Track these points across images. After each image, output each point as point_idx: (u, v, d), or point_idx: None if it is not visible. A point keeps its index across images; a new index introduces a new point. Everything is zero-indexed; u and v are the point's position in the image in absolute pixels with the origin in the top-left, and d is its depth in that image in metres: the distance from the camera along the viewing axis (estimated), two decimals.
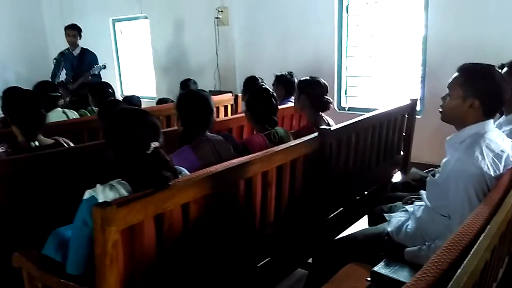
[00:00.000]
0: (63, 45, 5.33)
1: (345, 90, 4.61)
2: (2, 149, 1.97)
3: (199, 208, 1.51)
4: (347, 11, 4.42)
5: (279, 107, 3.24)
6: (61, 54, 5.20)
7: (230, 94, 4.31)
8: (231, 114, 4.01)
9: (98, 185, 1.38)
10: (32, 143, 2.10)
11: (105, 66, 5.01)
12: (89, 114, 3.38)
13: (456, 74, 1.63)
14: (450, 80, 1.64)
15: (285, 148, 1.90)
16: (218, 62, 5.40)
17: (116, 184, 1.37)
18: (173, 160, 1.52)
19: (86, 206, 1.35)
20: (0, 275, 1.88)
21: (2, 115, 3.06)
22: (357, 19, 4.40)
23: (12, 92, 2.93)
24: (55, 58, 5.20)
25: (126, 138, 1.42)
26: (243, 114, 3.01)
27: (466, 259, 0.85)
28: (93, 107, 3.48)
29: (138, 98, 3.76)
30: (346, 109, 4.57)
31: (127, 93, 6.43)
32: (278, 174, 1.91)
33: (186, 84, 4.56)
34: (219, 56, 5.39)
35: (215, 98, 4.24)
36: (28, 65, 7.31)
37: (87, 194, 1.37)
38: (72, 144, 2.24)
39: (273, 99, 2.20)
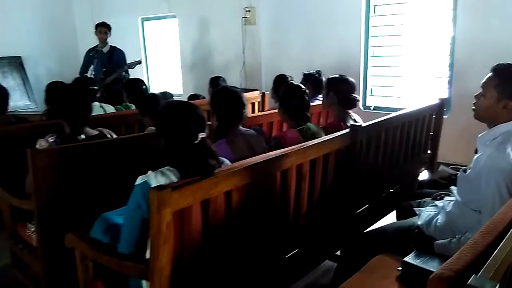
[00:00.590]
0: (93, 42, 5.51)
1: (371, 90, 4.65)
2: (52, 139, 2.10)
3: (240, 196, 1.61)
4: (374, 11, 4.46)
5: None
6: (93, 51, 5.38)
7: (258, 92, 4.41)
8: (258, 111, 4.11)
9: (150, 172, 1.49)
10: (75, 135, 2.24)
11: (140, 61, 5.17)
12: (124, 109, 3.52)
13: (490, 74, 1.69)
14: (484, 80, 1.70)
15: (319, 142, 1.99)
16: (244, 60, 5.51)
17: (166, 171, 1.48)
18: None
19: (140, 190, 1.46)
20: (51, 255, 2.03)
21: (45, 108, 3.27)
22: (384, 19, 4.44)
23: (58, 87, 3.11)
24: (89, 54, 5.37)
25: (176, 129, 1.53)
26: (272, 111, 3.11)
27: (502, 242, 0.92)
28: (127, 103, 3.62)
29: (171, 94, 3.90)
30: (371, 108, 4.61)
31: (155, 90, 6.60)
32: (312, 167, 1.99)
33: (215, 82, 4.68)
34: (246, 54, 5.50)
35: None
36: (59, 61, 7.57)
37: (139, 180, 1.48)
38: (115, 136, 2.37)
39: (305, 95, 2.28)
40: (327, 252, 2.32)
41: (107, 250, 1.61)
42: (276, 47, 5.29)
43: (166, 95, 3.69)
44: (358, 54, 4.56)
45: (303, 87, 2.31)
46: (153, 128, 2.65)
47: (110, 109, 3.39)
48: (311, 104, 3.35)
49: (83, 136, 2.25)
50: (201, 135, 1.52)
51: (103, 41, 5.30)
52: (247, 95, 4.35)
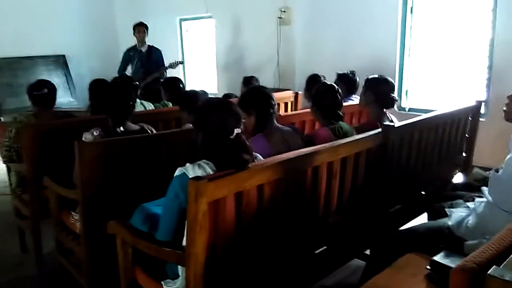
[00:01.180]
0: (132, 42, 5.71)
1: (406, 91, 4.61)
2: (96, 132, 2.25)
3: (271, 190, 1.68)
4: (411, 12, 4.42)
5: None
6: (132, 50, 5.58)
7: (291, 92, 4.46)
8: (291, 111, 4.16)
9: (188, 164, 1.58)
10: (118, 129, 2.37)
11: (182, 62, 5.34)
12: (162, 107, 3.67)
13: None
14: None
15: (350, 141, 2.03)
16: (278, 61, 5.57)
17: (203, 164, 1.58)
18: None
19: (179, 181, 1.56)
20: (94, 242, 2.17)
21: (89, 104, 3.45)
22: (422, 20, 4.39)
23: (101, 84, 3.28)
24: (128, 53, 5.57)
25: (213, 124, 1.62)
26: (305, 110, 3.16)
27: None
28: (165, 101, 3.76)
29: (206, 93, 4.01)
30: (407, 109, 4.57)
31: (191, 88, 6.77)
32: (342, 165, 2.03)
33: (248, 81, 4.77)
34: (280, 55, 5.56)
35: (277, 95, 4.44)
36: (100, 60, 7.88)
37: (178, 171, 1.58)
38: (154, 131, 2.50)
39: (338, 94, 2.32)
40: (356, 250, 2.35)
41: (147, 238, 1.71)
42: (310, 47, 5.32)
43: (203, 93, 3.81)
44: (393, 54, 4.53)
45: (336, 86, 2.35)
46: (190, 124, 2.77)
47: (149, 106, 3.54)
48: (344, 104, 3.40)
49: (122, 128, 2.37)
50: (237, 130, 1.60)
51: (141, 41, 5.49)
52: (281, 94, 4.43)
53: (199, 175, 1.52)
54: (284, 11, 5.40)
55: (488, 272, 0.78)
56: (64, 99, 7.54)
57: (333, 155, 1.93)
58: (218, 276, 1.55)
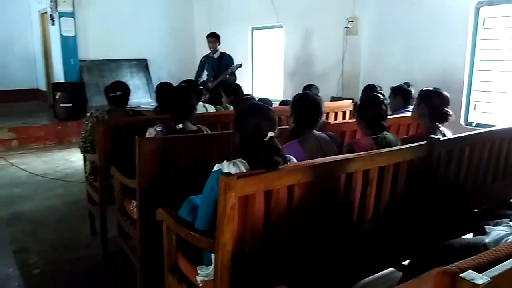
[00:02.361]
0: (208, 50, 6.09)
1: (474, 105, 4.40)
2: (159, 128, 2.51)
3: (302, 192, 1.78)
4: (483, 24, 4.22)
5: (397, 116, 3.36)
6: (205, 57, 5.97)
7: (350, 101, 4.48)
8: (349, 119, 4.19)
9: (225, 161, 1.74)
10: (177, 127, 2.61)
11: (241, 65, 5.60)
12: (223, 110, 3.90)
13: None
14: None
15: (389, 151, 2.06)
16: (343, 70, 5.59)
17: (238, 162, 1.73)
18: (283, 149, 1.82)
19: (214, 176, 1.72)
20: (147, 227, 2.42)
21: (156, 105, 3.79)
22: (494, 32, 4.18)
23: (166, 87, 3.60)
24: (201, 60, 5.97)
25: (249, 127, 1.76)
26: (351, 121, 3.19)
27: None
28: (227, 105, 3.99)
29: (270, 100, 4.20)
30: (474, 124, 4.36)
31: (258, 94, 7.02)
32: (380, 174, 2.07)
33: (308, 89, 4.87)
34: (344, 64, 5.58)
35: (334, 104, 4.52)
36: (178, 65, 8.45)
37: (216, 167, 1.75)
38: (209, 131, 2.71)
39: (382, 105, 2.35)
40: (391, 260, 2.34)
41: (187, 226, 1.90)
42: (376, 57, 5.27)
43: (263, 100, 4.00)
44: (461, 67, 4.35)
45: (381, 96, 2.38)
46: None
47: (211, 109, 3.80)
48: (401, 115, 3.38)
49: (180, 126, 2.60)
50: (270, 134, 1.73)
51: (214, 49, 5.84)
52: (339, 103, 4.48)
53: (232, 172, 1.67)
54: (352, 21, 5.42)
55: (461, 274, 0.83)
56: (143, 100, 8.20)
57: (370, 163, 1.97)
58: (244, 268, 1.68)
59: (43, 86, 9.23)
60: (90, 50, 7.91)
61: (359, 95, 5.45)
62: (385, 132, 2.36)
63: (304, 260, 1.90)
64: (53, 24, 7.78)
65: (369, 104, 2.35)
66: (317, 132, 2.24)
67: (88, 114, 3.35)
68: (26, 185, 4.90)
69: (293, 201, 1.76)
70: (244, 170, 1.70)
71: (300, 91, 5.66)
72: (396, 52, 5.01)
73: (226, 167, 1.70)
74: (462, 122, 4.36)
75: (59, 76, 7.89)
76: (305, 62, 6.30)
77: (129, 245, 2.76)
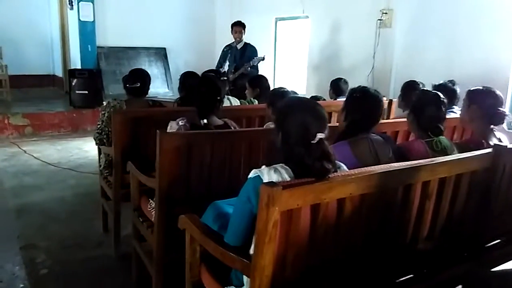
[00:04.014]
0: (229, 40, 5.81)
1: None
2: (182, 122, 2.24)
3: (353, 206, 1.49)
4: None
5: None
6: (228, 46, 5.67)
7: (384, 98, 4.15)
8: (383, 119, 3.86)
9: (264, 167, 1.46)
10: (202, 121, 2.34)
11: (264, 58, 5.30)
12: (247, 104, 3.62)
13: None
14: None
15: (452, 159, 1.76)
16: (374, 65, 5.26)
17: (280, 168, 1.45)
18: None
19: (252, 184, 1.45)
20: (166, 234, 2.16)
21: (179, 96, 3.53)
22: None
23: (192, 76, 3.33)
24: (223, 50, 5.68)
25: (294, 126, 1.48)
26: (398, 119, 2.88)
27: None
28: (251, 99, 3.71)
29: (297, 94, 3.89)
30: None
31: (280, 86, 6.72)
32: (440, 187, 1.77)
33: (336, 84, 4.55)
34: (376, 59, 5.24)
35: None
36: (197, 55, 8.19)
37: (253, 173, 1.47)
38: (237, 127, 2.44)
39: (442, 106, 2.04)
40: (446, 284, 2.05)
41: (215, 238, 1.63)
42: (411, 52, 4.93)
43: (317, 98, 3.69)
44: (508, 65, 4.00)
45: (441, 95, 2.07)
46: (271, 123, 2.67)
47: (235, 102, 3.52)
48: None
49: (205, 121, 2.34)
50: (320, 135, 1.45)
51: (239, 39, 5.54)
52: None
53: (274, 180, 1.40)
54: (386, 13, 5.08)
55: None
56: (161, 89, 7.98)
57: (430, 174, 1.68)
58: None
59: (59, 72, 9.06)
60: (108, 37, 7.70)
61: (391, 91, 5.15)
62: (440, 136, 2.05)
63: (350, 282, 1.62)
64: (71, 8, 7.58)
65: (427, 103, 2.04)
66: (372, 134, 1.94)
67: (104, 103, 3.09)
68: (38, 174, 4.70)
69: (342, 217, 1.48)
70: (287, 178, 1.42)
71: (325, 86, 5.40)
72: (434, 47, 4.67)
73: (266, 174, 1.42)
74: (504, 125, 4.01)
75: (76, 62, 7.70)
76: (332, 55, 5.97)
77: (144, 249, 2.52)
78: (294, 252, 1.40)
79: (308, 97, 4.88)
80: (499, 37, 4.05)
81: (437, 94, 2.08)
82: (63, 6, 8.22)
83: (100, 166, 3.16)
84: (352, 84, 4.75)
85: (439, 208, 1.82)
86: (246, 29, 5.57)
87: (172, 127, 2.26)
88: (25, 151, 5.54)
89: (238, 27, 5.49)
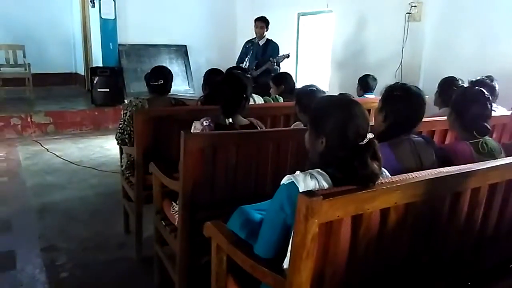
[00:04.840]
0: (250, 35, 5.67)
1: None
2: (206, 123, 2.12)
3: (398, 216, 1.35)
4: None
5: None
6: (250, 42, 5.54)
7: None
8: None
9: (298, 172, 1.33)
10: (227, 121, 2.22)
11: (288, 55, 5.16)
12: (272, 102, 3.49)
13: None
14: None
15: (505, 163, 1.59)
16: (402, 60, 5.04)
17: (316, 174, 1.31)
18: None
19: (285, 192, 1.32)
20: (190, 239, 2.06)
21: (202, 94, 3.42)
22: None
23: (217, 74, 3.21)
24: (245, 46, 5.55)
25: (338, 127, 1.34)
26: (435, 118, 2.69)
27: None
28: (276, 96, 3.58)
29: (324, 91, 3.74)
30: None
31: (302, 85, 6.55)
32: (490, 194, 1.61)
33: (364, 80, 4.39)
34: (404, 54, 5.03)
35: None
36: (218, 52, 8.09)
37: (286, 179, 1.34)
38: (263, 127, 2.31)
39: (488, 103, 1.87)
40: None
41: (244, 249, 1.51)
42: (441, 47, 4.70)
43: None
44: None
45: (485, 91, 1.90)
46: (301, 124, 2.53)
47: (259, 100, 3.39)
48: None
49: (230, 120, 2.22)
50: (370, 135, 1.31)
51: (260, 35, 5.41)
52: None
53: (311, 187, 1.26)
54: (415, 6, 4.86)
55: None
56: (181, 87, 7.91)
57: (482, 180, 1.52)
58: None
59: (81, 71, 9.09)
60: (129, 34, 7.66)
61: (420, 88, 4.92)
62: (486, 137, 1.88)
63: None
64: (93, 6, 7.57)
65: (471, 100, 1.87)
66: (414, 135, 1.79)
67: (126, 102, 3.00)
68: (60, 173, 4.68)
69: (386, 228, 1.34)
70: (325, 186, 1.29)
71: (350, 83, 5.21)
72: (466, 42, 4.43)
73: (302, 180, 1.29)
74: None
75: (97, 60, 7.70)
76: (357, 51, 5.78)
77: (167, 253, 2.42)
78: (333, 267, 1.27)
79: (332, 94, 4.75)
80: None
81: (481, 90, 1.91)
82: (85, 4, 8.23)
83: (122, 166, 3.08)
84: (379, 79, 4.59)
85: (488, 217, 1.65)
86: (269, 25, 5.42)
87: (196, 127, 2.15)
88: (47, 150, 5.54)
89: (261, 22, 5.35)
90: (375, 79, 4.30)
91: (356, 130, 1.32)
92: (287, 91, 3.61)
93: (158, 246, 2.50)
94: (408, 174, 1.40)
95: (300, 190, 1.26)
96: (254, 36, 5.52)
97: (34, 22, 8.45)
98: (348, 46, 5.95)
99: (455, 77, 3.00)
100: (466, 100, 1.90)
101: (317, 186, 1.28)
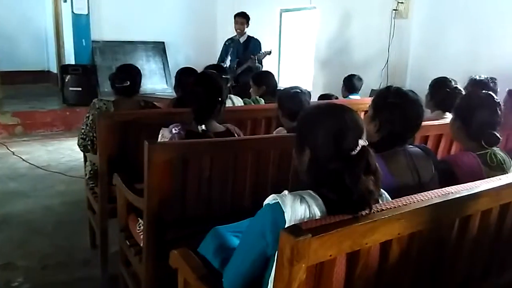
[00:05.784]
0: (231, 33, 5.42)
1: None
2: (175, 130, 1.85)
3: (401, 249, 1.11)
4: None
5: None
6: (230, 40, 5.27)
7: None
8: None
9: (286, 193, 1.08)
10: (200, 128, 1.96)
11: (270, 52, 4.92)
12: (252, 103, 3.23)
13: None
14: None
15: None
16: (388, 58, 4.85)
17: (308, 198, 1.06)
18: None
19: (270, 215, 1.07)
20: (156, 265, 1.79)
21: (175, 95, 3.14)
22: None
23: (189, 73, 2.93)
24: (225, 43, 5.28)
25: (325, 136, 1.11)
26: (429, 123, 2.49)
27: None
28: (257, 97, 3.32)
29: (309, 93, 3.50)
30: None
31: (284, 84, 6.32)
32: (501, 215, 1.39)
33: (349, 81, 4.18)
34: (391, 52, 4.84)
35: None
36: (197, 49, 7.80)
37: (271, 199, 1.09)
38: (242, 135, 2.05)
39: (498, 108, 1.65)
40: None
41: (214, 284, 1.26)
42: (429, 45, 4.52)
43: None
44: None
45: (494, 97, 1.68)
46: (282, 128, 2.29)
47: (238, 101, 3.13)
48: None
49: (203, 127, 1.96)
50: (362, 142, 1.09)
51: (241, 32, 5.15)
52: None
53: (300, 215, 1.02)
54: (402, 2, 4.68)
55: None
56: (159, 86, 7.60)
57: (494, 200, 1.30)
58: None
59: (54, 68, 8.67)
60: (103, 31, 7.29)
61: (406, 88, 4.74)
62: (495, 148, 1.66)
63: None
64: (65, 1, 7.18)
65: (479, 105, 1.65)
66: (410, 146, 1.56)
67: (91, 104, 2.70)
68: (24, 179, 4.33)
69: (386, 264, 1.10)
70: (318, 214, 1.04)
71: (334, 82, 4.99)
72: (456, 39, 4.25)
73: (290, 205, 1.04)
74: None
75: (70, 57, 7.31)
76: (342, 49, 5.57)
77: (130, 274, 2.15)
78: None
79: (316, 93, 4.52)
80: None
81: (489, 93, 1.69)
82: None
83: (85, 175, 2.78)
84: (364, 79, 4.37)
85: (499, 240, 1.44)
86: (250, 21, 5.16)
87: (164, 135, 1.88)
88: (13, 153, 5.17)
89: (241, 18, 5.09)
90: (360, 79, 4.10)
91: (345, 136, 1.10)
92: (269, 92, 3.35)
93: (123, 267, 2.23)
94: (411, 197, 1.16)
95: (286, 216, 1.03)
96: (235, 33, 5.25)
97: (4, 16, 8.00)
98: (332, 44, 5.74)
99: (447, 78, 2.79)
100: (472, 105, 1.67)
101: (307, 214, 1.03)
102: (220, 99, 1.95)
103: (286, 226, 0.99)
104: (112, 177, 2.30)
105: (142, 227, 2.00)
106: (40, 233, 3.18)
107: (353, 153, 1.09)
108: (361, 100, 3.82)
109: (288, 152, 1.95)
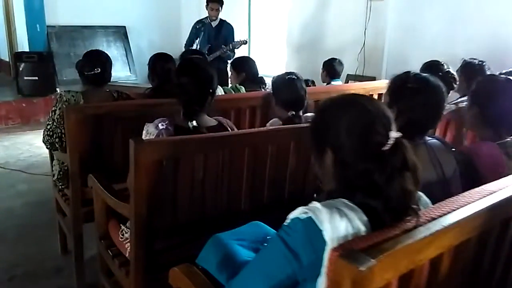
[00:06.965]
0: (196, 16, 5.13)
1: None
2: (162, 125, 1.62)
3: (450, 262, 0.97)
4: None
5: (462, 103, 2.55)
6: (200, 23, 4.97)
7: (384, 81, 3.66)
8: None
9: (318, 204, 0.90)
10: (190, 123, 1.74)
11: (246, 41, 4.72)
12: (233, 92, 3.02)
13: None
14: None
15: None
16: (364, 42, 4.74)
17: (346, 210, 0.89)
18: None
19: (303, 233, 0.89)
20: (147, 279, 1.59)
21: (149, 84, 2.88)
22: None
23: (166, 60, 2.68)
24: (195, 26, 4.99)
25: (348, 133, 0.95)
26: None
27: None
28: (237, 85, 3.11)
29: (302, 79, 3.33)
30: None
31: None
32: None
33: (330, 65, 4.04)
34: (367, 36, 4.73)
35: (361, 85, 3.63)
36: (161, 34, 7.45)
37: (300, 213, 0.90)
38: (235, 128, 1.85)
39: None
40: None
41: None
42: (406, 28, 4.46)
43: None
44: None
45: None
46: (277, 120, 2.11)
47: (219, 90, 2.90)
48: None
49: (194, 123, 1.74)
50: (394, 134, 0.94)
51: (214, 18, 4.88)
52: (367, 85, 3.61)
53: (343, 231, 0.85)
54: None
55: None
56: (122, 73, 7.19)
57: None
58: None
59: (5, 56, 8.03)
60: (59, 15, 6.76)
61: (383, 73, 4.68)
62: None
63: None
64: None
65: (498, 91, 1.53)
66: (428, 138, 1.42)
67: (57, 96, 2.40)
68: None
69: (436, 281, 0.96)
70: (362, 229, 0.88)
71: (310, 67, 4.84)
72: (433, 23, 4.20)
73: (327, 220, 0.86)
74: None
75: (23, 44, 6.75)
76: (316, 32, 5.41)
77: (116, 285, 1.93)
78: None
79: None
80: (508, 11, 3.64)
81: (509, 79, 1.58)
82: None
83: (53, 175, 2.49)
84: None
85: None
86: (223, 6, 4.90)
87: (149, 132, 1.65)
88: None
89: (215, 4, 4.79)
90: (341, 63, 3.97)
91: (373, 131, 0.94)
92: (249, 78, 3.16)
93: (104, 276, 2.00)
94: (454, 199, 1.02)
95: (326, 235, 0.85)
96: (202, 16, 4.97)
97: None
98: (306, 28, 5.57)
99: (439, 61, 2.69)
100: (492, 91, 1.55)
101: (350, 230, 0.86)
102: (211, 90, 1.74)
103: (329, 247, 0.82)
104: (85, 178, 2.05)
105: (125, 235, 1.79)
106: (2, 240, 2.88)
107: (385, 148, 0.93)
108: (347, 86, 3.70)
109: (286, 147, 1.80)
